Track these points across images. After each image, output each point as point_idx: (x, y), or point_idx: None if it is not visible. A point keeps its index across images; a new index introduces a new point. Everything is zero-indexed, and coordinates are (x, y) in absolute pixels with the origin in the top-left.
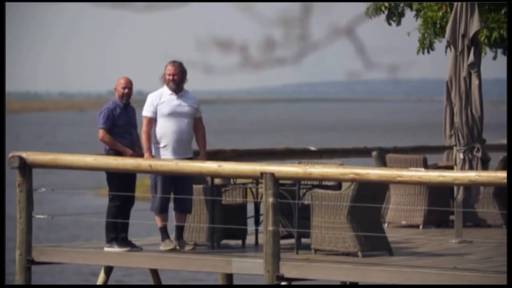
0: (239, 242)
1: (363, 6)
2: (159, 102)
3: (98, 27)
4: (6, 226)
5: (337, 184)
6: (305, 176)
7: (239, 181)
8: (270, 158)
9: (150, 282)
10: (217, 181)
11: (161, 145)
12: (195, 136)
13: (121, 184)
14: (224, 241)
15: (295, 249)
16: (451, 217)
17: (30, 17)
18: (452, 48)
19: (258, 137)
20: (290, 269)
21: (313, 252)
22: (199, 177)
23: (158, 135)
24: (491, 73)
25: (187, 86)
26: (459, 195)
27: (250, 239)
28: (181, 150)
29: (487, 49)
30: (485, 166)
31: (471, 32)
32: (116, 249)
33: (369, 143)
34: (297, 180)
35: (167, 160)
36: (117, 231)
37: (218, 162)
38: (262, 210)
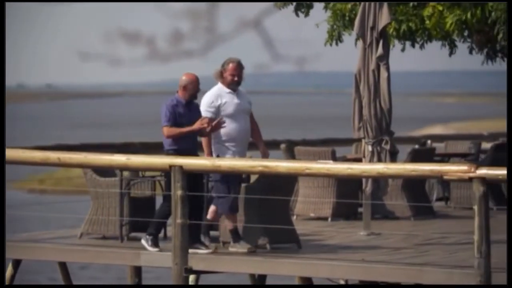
0: None
1: None
2: (221, 103)
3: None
4: None
5: (246, 176)
6: (213, 168)
7: (147, 173)
8: None
9: (59, 276)
10: (125, 174)
11: (228, 144)
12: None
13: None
14: (133, 234)
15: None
16: (360, 210)
17: None
18: (361, 41)
19: None
20: (198, 261)
21: (221, 244)
22: (108, 170)
23: (224, 136)
24: (399, 66)
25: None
26: (368, 187)
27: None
28: (245, 147)
29: (396, 41)
30: (393, 158)
31: (380, 25)
32: (149, 248)
33: (278, 135)
34: (205, 173)
35: (75, 153)
36: (159, 230)
37: (126, 155)
38: None
